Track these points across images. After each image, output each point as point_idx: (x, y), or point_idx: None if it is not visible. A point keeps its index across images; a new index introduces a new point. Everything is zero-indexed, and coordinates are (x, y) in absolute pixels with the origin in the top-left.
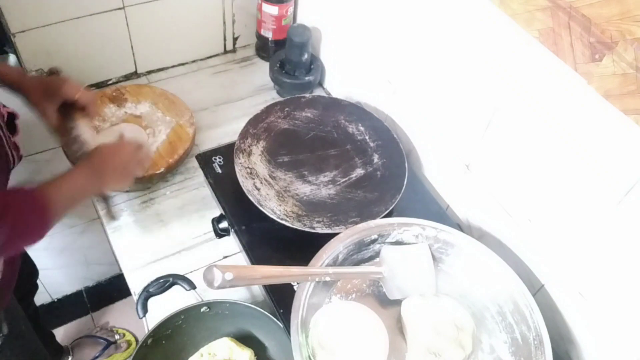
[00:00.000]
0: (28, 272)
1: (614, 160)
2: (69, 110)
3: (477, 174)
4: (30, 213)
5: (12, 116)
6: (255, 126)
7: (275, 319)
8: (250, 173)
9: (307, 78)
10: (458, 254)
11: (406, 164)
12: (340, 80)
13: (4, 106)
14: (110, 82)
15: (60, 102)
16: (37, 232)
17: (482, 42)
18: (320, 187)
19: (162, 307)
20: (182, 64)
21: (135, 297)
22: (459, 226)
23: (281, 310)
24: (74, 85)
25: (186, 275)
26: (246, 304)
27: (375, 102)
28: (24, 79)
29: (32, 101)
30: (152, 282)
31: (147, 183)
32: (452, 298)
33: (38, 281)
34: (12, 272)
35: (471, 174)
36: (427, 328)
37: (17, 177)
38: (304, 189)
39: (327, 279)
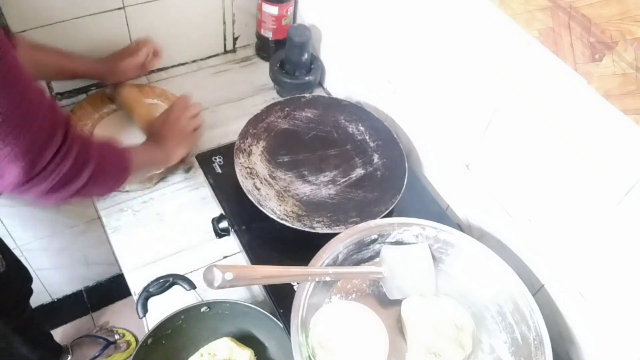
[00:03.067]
0: (22, 278)
1: (614, 160)
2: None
3: (477, 174)
4: (114, 160)
5: None
6: (255, 126)
7: (275, 319)
8: (250, 173)
9: (307, 78)
10: (458, 254)
11: (406, 164)
12: (340, 80)
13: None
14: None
15: (138, 62)
16: (114, 181)
17: (482, 42)
18: (320, 187)
19: (162, 307)
20: (182, 64)
21: (135, 297)
22: (459, 226)
23: (281, 310)
24: (144, 43)
25: (186, 275)
26: (246, 304)
27: (375, 102)
28: (107, 64)
29: (110, 79)
30: (152, 282)
31: (147, 183)
32: (452, 298)
33: (38, 281)
34: None
35: (471, 174)
36: (427, 328)
37: None
38: (304, 189)
39: (327, 279)
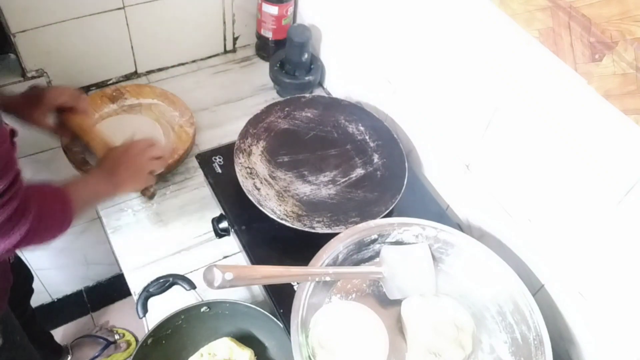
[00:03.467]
0: (24, 277)
1: (614, 160)
2: (63, 114)
3: (477, 174)
4: (54, 206)
5: (12, 133)
6: (255, 126)
7: (275, 319)
8: (250, 173)
9: (307, 78)
10: (458, 254)
11: (406, 164)
12: (340, 80)
13: (5, 124)
14: (110, 82)
15: (48, 110)
16: (58, 227)
17: (482, 42)
18: (320, 187)
19: (162, 307)
20: (182, 64)
21: (135, 297)
22: (459, 226)
23: (281, 310)
24: (55, 91)
25: (186, 275)
26: (246, 304)
27: (375, 102)
28: (6, 99)
29: (20, 116)
30: (152, 282)
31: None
32: (452, 298)
33: (38, 281)
34: (7, 280)
35: (471, 174)
36: (427, 328)
37: None
38: (304, 189)
39: (327, 279)
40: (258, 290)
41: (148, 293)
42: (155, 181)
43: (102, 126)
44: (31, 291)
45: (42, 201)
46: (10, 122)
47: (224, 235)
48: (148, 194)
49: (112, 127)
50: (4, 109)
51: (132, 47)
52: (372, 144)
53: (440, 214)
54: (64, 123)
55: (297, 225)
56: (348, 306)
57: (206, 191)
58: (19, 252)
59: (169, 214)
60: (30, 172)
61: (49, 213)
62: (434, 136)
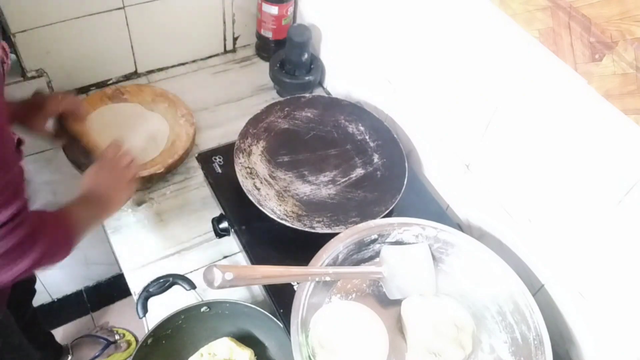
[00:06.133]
0: (25, 278)
1: (614, 160)
2: (63, 120)
3: (477, 174)
4: (59, 233)
5: (19, 142)
6: (255, 126)
7: (275, 319)
8: (250, 173)
9: (307, 78)
10: (458, 254)
11: (406, 164)
12: (340, 80)
13: (13, 133)
14: (110, 82)
15: (47, 117)
16: (64, 251)
17: (482, 42)
18: (320, 187)
19: (162, 307)
20: (182, 64)
21: (135, 297)
22: (459, 226)
23: (281, 310)
24: (54, 98)
25: (186, 275)
26: (246, 304)
27: (375, 102)
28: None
29: (20, 122)
30: (152, 282)
31: (147, 183)
32: (452, 298)
33: (38, 281)
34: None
35: (471, 174)
36: (427, 328)
37: None
38: (304, 189)
39: (327, 279)
40: (258, 290)
41: (148, 293)
42: (139, 185)
43: (98, 115)
44: (33, 292)
45: (49, 230)
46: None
47: (224, 235)
48: (136, 201)
49: (108, 116)
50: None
51: (132, 47)
52: (372, 144)
53: (440, 214)
54: (62, 128)
55: (297, 225)
56: (348, 306)
57: (206, 191)
58: None
59: (169, 214)
60: (29, 172)
61: (56, 241)
62: (434, 136)
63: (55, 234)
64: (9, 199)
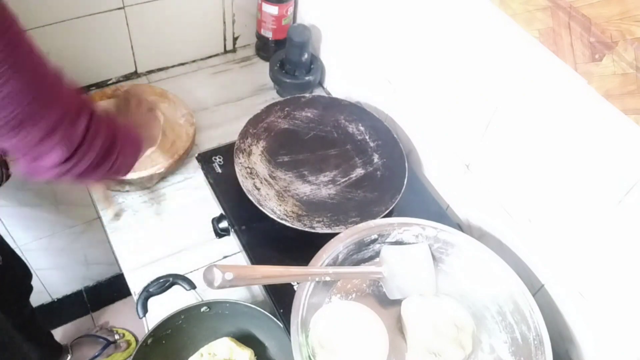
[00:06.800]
0: (22, 275)
1: (614, 160)
2: None
3: (477, 174)
4: (132, 134)
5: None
6: (255, 126)
7: (275, 319)
8: (250, 173)
9: (307, 78)
10: (458, 254)
11: (406, 164)
12: (340, 80)
13: None
14: (110, 82)
15: None
16: (137, 155)
17: (482, 42)
18: (320, 187)
19: (162, 307)
20: (182, 64)
21: (135, 297)
22: (459, 226)
23: (281, 310)
24: None
25: (186, 275)
26: (246, 304)
27: (375, 102)
28: None
29: None
30: (152, 282)
31: (147, 183)
32: (452, 298)
33: (38, 281)
34: None
35: (471, 174)
36: (427, 328)
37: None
38: (304, 189)
39: (327, 279)
40: (258, 290)
41: (148, 293)
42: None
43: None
44: (29, 289)
45: (124, 138)
46: None
47: (224, 235)
48: (114, 212)
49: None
50: None
51: (132, 47)
52: (372, 144)
53: (440, 214)
54: None
55: (297, 225)
56: (348, 306)
57: (206, 191)
58: (17, 250)
59: (169, 214)
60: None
61: (131, 139)
62: (434, 136)
63: (129, 144)
64: (79, 102)
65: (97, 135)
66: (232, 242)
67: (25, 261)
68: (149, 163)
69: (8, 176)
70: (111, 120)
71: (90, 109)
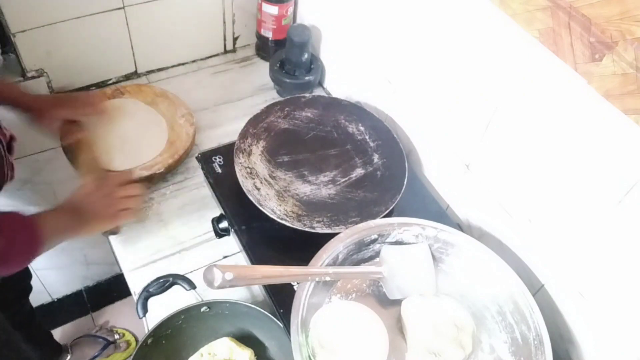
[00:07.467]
0: (21, 274)
1: (614, 160)
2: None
3: (477, 174)
4: (22, 235)
5: (11, 138)
6: (255, 126)
7: (275, 319)
8: (250, 173)
9: (307, 78)
10: (458, 254)
11: (406, 164)
12: (340, 80)
13: (5, 129)
14: (110, 82)
15: (62, 118)
16: (25, 256)
17: (482, 42)
18: (320, 187)
19: (162, 307)
20: (182, 64)
21: (135, 297)
22: (459, 226)
23: (281, 310)
24: (78, 100)
25: (186, 275)
26: (246, 304)
27: (375, 102)
28: (29, 97)
29: (38, 117)
30: (152, 282)
31: (147, 183)
32: (452, 298)
33: (38, 281)
34: None
35: (471, 174)
36: (427, 328)
37: (18, 176)
38: (304, 189)
39: (327, 279)
40: (258, 290)
41: (148, 293)
42: (130, 218)
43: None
44: (29, 289)
45: (9, 230)
46: (18, 120)
47: (224, 235)
48: (110, 231)
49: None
50: (18, 103)
51: (132, 47)
52: (372, 144)
53: (440, 214)
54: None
55: (297, 225)
56: (348, 306)
57: (206, 191)
58: None
59: (169, 214)
60: (30, 172)
61: (16, 242)
62: (434, 136)
63: (19, 237)
64: None
65: None
66: (232, 242)
67: None
68: (149, 163)
69: (12, 177)
70: None
71: None
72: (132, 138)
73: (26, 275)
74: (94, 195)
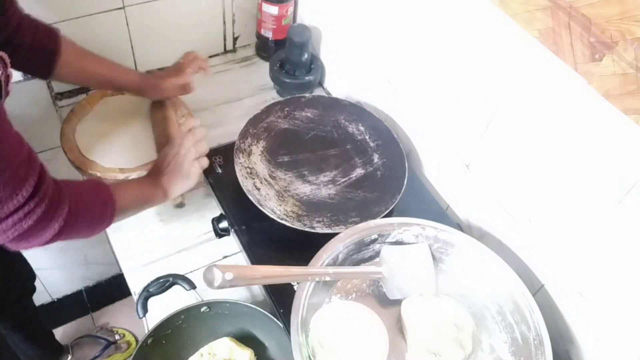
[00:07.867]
0: (26, 275)
1: (614, 160)
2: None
3: (477, 174)
4: (94, 202)
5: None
6: (255, 126)
7: (275, 319)
8: (250, 173)
9: (307, 78)
10: (458, 254)
11: (406, 164)
12: (340, 80)
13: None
14: None
15: (182, 82)
16: (98, 222)
17: (482, 42)
18: (320, 187)
19: (162, 307)
20: None
21: (135, 297)
22: (459, 226)
23: (281, 310)
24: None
25: (186, 275)
26: (246, 304)
27: (375, 102)
28: (144, 81)
29: (158, 94)
30: (152, 282)
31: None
32: (452, 298)
33: (38, 281)
34: None
35: (471, 174)
36: (427, 328)
37: None
38: (304, 189)
39: (327, 279)
40: (258, 290)
41: (148, 293)
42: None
43: (101, 105)
44: (32, 290)
45: (79, 196)
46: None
47: (224, 235)
48: (175, 203)
49: (111, 105)
50: (141, 90)
51: (132, 47)
52: (372, 144)
53: (440, 214)
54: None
55: (297, 225)
56: (348, 306)
57: (206, 191)
58: (21, 251)
59: (169, 214)
60: None
61: (87, 208)
62: (434, 136)
63: (90, 203)
64: (25, 175)
65: (33, 211)
66: (232, 242)
67: (28, 261)
68: (149, 163)
69: (8, 93)
70: (60, 191)
71: (36, 180)
72: (132, 137)
73: (31, 275)
74: (167, 159)
